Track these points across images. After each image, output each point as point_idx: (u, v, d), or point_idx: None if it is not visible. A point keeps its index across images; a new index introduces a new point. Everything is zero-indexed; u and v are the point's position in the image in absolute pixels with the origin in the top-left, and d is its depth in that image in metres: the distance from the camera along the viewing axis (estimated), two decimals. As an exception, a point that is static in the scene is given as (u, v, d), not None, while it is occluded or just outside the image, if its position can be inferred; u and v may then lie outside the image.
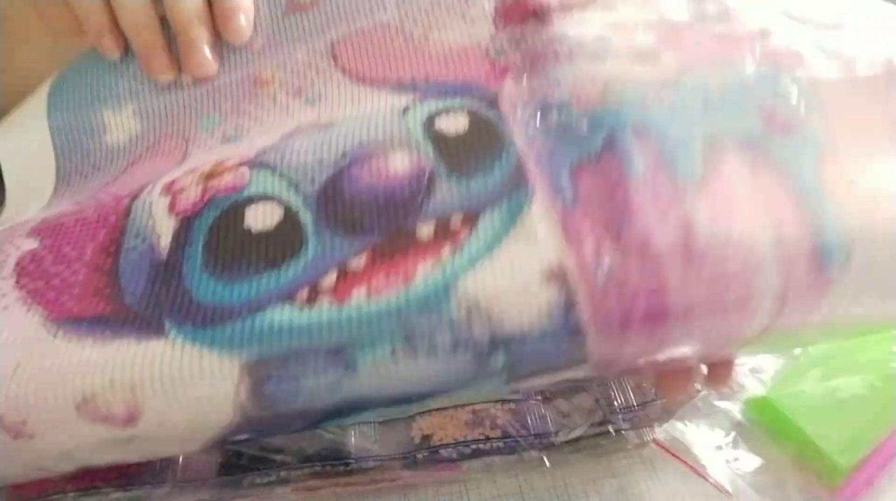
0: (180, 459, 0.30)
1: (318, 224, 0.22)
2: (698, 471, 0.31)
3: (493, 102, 0.24)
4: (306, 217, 0.22)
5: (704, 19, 0.25)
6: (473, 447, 0.32)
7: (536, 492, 0.31)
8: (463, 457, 0.32)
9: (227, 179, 0.24)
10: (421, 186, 0.22)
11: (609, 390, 0.33)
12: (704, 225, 0.20)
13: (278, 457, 0.31)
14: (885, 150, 0.23)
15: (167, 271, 0.23)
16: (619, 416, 0.32)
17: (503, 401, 0.33)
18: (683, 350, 0.23)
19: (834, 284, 0.22)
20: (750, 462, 0.32)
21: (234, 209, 0.23)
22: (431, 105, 0.24)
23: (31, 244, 0.24)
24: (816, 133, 0.23)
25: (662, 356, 0.22)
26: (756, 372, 0.34)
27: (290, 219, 0.22)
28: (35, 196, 0.29)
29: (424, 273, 0.21)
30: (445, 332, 0.21)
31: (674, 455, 0.32)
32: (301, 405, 0.22)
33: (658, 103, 0.22)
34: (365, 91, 0.26)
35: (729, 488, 0.31)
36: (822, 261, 0.21)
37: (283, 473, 0.31)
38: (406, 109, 0.25)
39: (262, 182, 0.23)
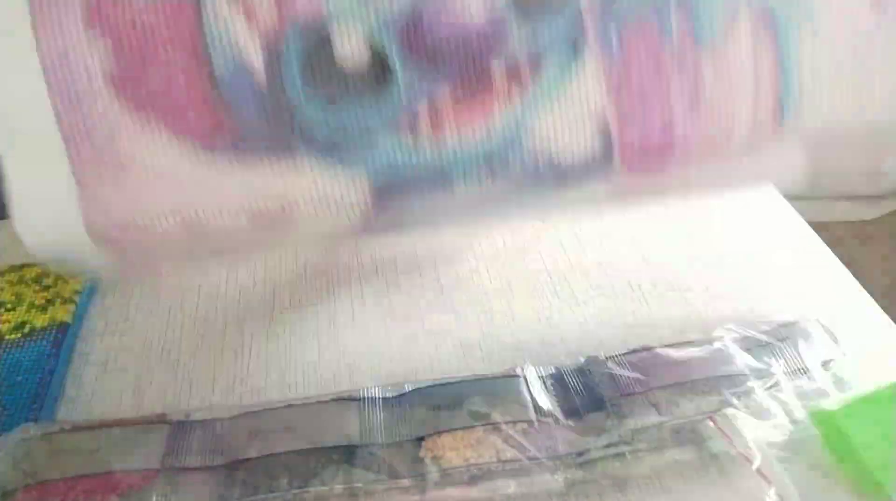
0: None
1: (405, 57, 0.25)
2: (745, 455, 0.30)
3: None
4: (392, 48, 0.25)
5: None
6: (485, 468, 0.30)
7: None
8: (474, 479, 0.30)
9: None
10: (495, 30, 0.25)
11: (623, 410, 0.31)
12: (709, 82, 0.26)
13: (283, 481, 0.30)
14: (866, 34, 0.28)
15: (271, 92, 0.25)
16: (636, 437, 0.30)
17: (515, 422, 0.31)
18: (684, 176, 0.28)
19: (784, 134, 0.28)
20: (801, 469, 0.30)
21: (321, 44, 0.25)
22: None
23: (105, 47, 0.24)
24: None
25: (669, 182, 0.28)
26: (839, 384, 0.33)
27: (378, 49, 0.25)
28: None
29: (500, 112, 0.26)
30: (518, 162, 0.26)
31: (723, 432, 0.31)
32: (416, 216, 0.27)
33: None
34: None
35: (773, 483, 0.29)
36: (779, 115, 0.27)
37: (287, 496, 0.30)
38: None
39: (342, 6, 0.25)
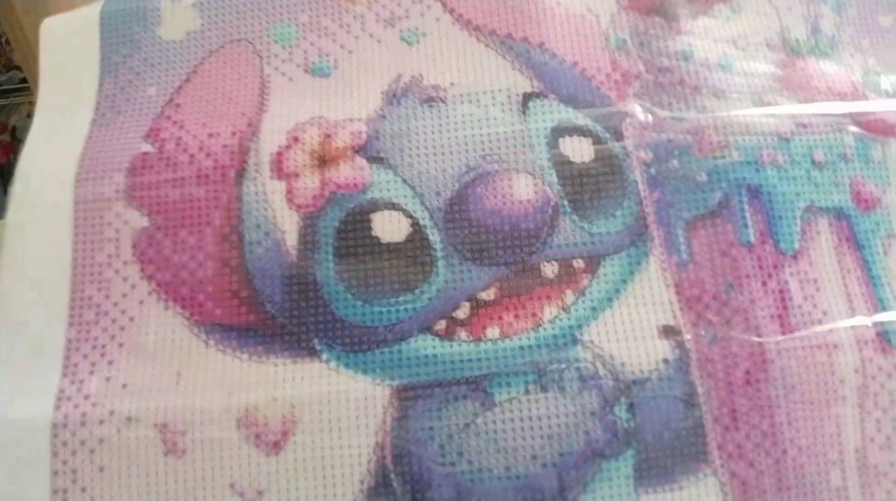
0: None
1: (446, 246, 0.23)
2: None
3: (617, 131, 0.24)
4: (434, 235, 0.23)
5: (817, 47, 0.26)
6: None
7: None
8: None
9: (345, 173, 0.23)
10: (545, 221, 0.23)
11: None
12: (798, 299, 0.23)
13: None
14: None
15: (301, 276, 0.23)
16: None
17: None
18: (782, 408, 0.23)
19: None
20: None
21: (360, 213, 0.23)
22: (555, 111, 0.24)
23: (139, 220, 0.24)
24: (890, 213, 0.24)
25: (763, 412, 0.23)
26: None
27: (418, 234, 0.23)
28: (75, 87, 0.26)
29: (551, 316, 0.22)
30: (573, 372, 0.22)
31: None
32: (439, 434, 0.22)
33: (772, 162, 0.24)
34: (471, 42, 0.25)
35: None
36: (885, 341, 0.23)
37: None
38: (526, 103, 0.24)
39: (385, 186, 0.23)
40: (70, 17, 0.27)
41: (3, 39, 1.39)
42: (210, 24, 0.26)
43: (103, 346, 0.22)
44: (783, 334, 0.22)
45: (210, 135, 0.24)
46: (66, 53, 0.27)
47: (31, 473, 0.21)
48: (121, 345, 0.22)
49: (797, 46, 0.26)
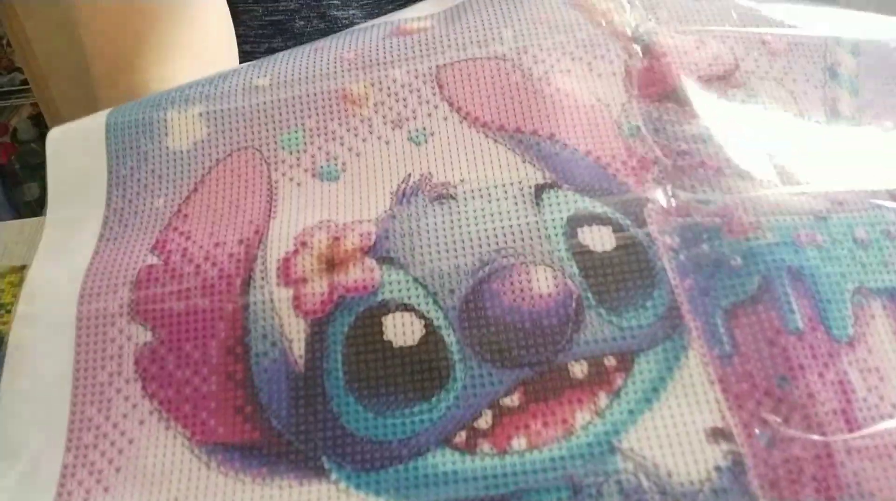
0: None
1: (463, 348, 0.21)
2: None
3: (639, 218, 0.22)
4: (449, 336, 0.21)
5: (838, 115, 0.25)
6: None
7: None
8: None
9: (354, 276, 0.22)
10: (569, 315, 0.21)
11: None
12: (861, 391, 0.20)
13: None
14: None
15: (308, 388, 0.21)
16: None
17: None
18: None
19: None
20: None
21: (370, 316, 0.22)
22: (570, 200, 0.23)
23: (142, 335, 0.23)
24: None
25: None
26: None
27: (432, 336, 0.21)
28: (82, 200, 0.26)
29: (584, 422, 0.20)
30: (613, 486, 0.20)
31: None
32: None
33: (810, 242, 0.22)
34: (479, 138, 0.24)
35: None
36: None
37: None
38: (539, 194, 0.23)
39: (396, 286, 0.22)
40: (76, 128, 0.27)
41: (4, 41, 1.38)
42: (217, 132, 0.26)
43: (100, 471, 0.21)
44: (850, 431, 0.20)
45: (216, 244, 0.23)
46: (73, 166, 0.26)
47: None
48: (118, 470, 0.21)
49: (815, 120, 0.25)
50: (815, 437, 0.20)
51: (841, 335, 0.21)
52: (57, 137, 0.27)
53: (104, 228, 0.25)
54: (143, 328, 0.23)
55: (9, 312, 0.37)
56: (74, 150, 0.27)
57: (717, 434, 0.20)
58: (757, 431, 0.20)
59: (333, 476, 0.20)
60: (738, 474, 0.19)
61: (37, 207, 1.35)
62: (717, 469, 0.20)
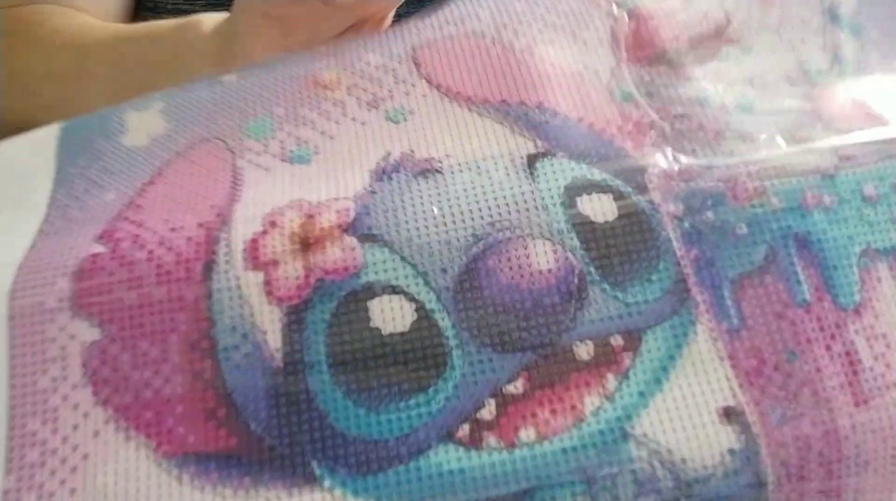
0: None
1: (459, 332, 0.20)
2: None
3: (640, 184, 0.21)
4: (444, 320, 0.20)
5: (843, 75, 0.24)
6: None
7: None
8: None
9: (333, 256, 0.20)
10: (571, 292, 0.20)
11: None
12: (867, 360, 0.20)
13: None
14: None
15: (290, 385, 0.19)
16: None
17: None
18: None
19: None
20: None
21: (354, 301, 0.19)
22: (566, 168, 0.21)
23: (89, 332, 0.20)
24: None
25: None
26: None
27: (425, 321, 0.19)
28: (23, 203, 0.23)
29: (594, 407, 0.19)
30: (627, 476, 0.19)
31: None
32: None
33: (817, 205, 0.21)
34: (463, 113, 0.23)
35: None
36: None
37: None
38: (532, 163, 0.22)
39: (381, 266, 0.20)
40: (26, 137, 0.24)
41: None
42: (178, 126, 0.24)
43: (51, 494, 0.18)
44: (856, 405, 0.20)
45: (172, 229, 0.21)
46: (16, 172, 0.23)
47: None
48: (73, 492, 0.18)
49: (821, 77, 0.24)
50: (824, 414, 0.19)
51: (847, 303, 0.20)
52: (4, 144, 0.24)
53: (44, 223, 0.22)
54: (89, 323, 0.20)
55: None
56: (21, 155, 0.24)
57: (730, 414, 0.19)
58: (769, 410, 0.19)
59: (326, 483, 0.18)
60: (750, 455, 0.19)
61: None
62: (731, 451, 0.19)
